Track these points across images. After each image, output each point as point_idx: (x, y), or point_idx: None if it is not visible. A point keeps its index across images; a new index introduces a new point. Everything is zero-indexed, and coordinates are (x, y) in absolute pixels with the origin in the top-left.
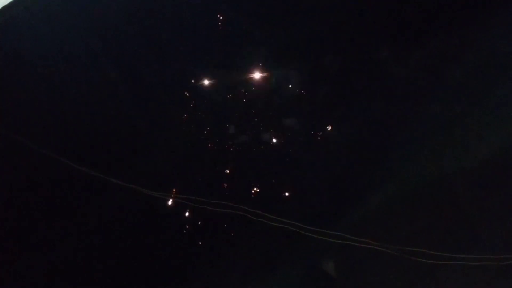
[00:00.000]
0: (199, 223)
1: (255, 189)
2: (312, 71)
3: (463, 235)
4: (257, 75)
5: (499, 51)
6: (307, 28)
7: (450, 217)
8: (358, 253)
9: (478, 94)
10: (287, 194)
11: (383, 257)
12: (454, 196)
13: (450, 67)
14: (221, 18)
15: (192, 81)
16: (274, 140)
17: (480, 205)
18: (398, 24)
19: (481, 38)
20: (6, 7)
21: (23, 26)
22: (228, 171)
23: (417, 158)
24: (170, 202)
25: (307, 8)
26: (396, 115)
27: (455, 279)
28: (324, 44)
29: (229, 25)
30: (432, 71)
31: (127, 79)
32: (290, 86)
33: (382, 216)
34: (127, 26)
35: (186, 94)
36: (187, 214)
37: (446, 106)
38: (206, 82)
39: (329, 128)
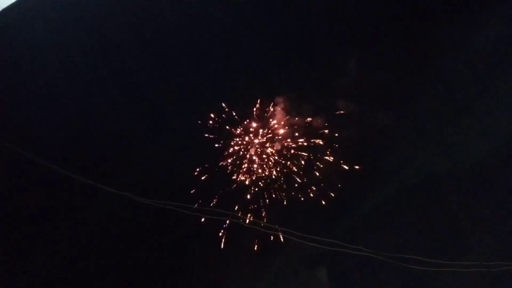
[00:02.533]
0: (193, 230)
1: (248, 196)
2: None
3: (455, 243)
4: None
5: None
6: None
7: (442, 225)
8: (350, 260)
9: (472, 98)
10: (280, 201)
11: (376, 264)
12: (446, 204)
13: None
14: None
15: (187, 90)
16: (268, 149)
17: (472, 213)
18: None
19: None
20: (3, 11)
21: (19, 30)
22: (222, 179)
23: (409, 167)
24: (163, 210)
25: None
26: (390, 125)
27: (447, 286)
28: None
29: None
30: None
31: (122, 89)
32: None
33: (375, 223)
34: (126, 33)
35: (181, 103)
36: (180, 221)
37: (440, 114)
38: (201, 91)
39: (320, 137)
